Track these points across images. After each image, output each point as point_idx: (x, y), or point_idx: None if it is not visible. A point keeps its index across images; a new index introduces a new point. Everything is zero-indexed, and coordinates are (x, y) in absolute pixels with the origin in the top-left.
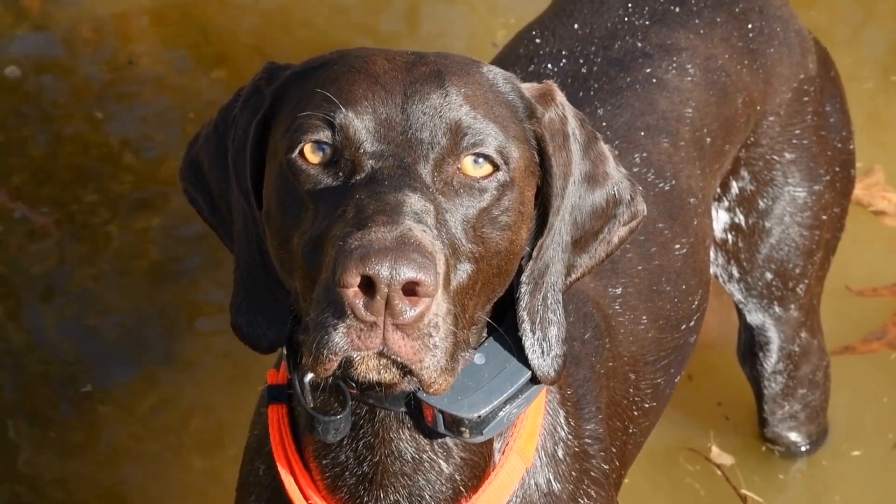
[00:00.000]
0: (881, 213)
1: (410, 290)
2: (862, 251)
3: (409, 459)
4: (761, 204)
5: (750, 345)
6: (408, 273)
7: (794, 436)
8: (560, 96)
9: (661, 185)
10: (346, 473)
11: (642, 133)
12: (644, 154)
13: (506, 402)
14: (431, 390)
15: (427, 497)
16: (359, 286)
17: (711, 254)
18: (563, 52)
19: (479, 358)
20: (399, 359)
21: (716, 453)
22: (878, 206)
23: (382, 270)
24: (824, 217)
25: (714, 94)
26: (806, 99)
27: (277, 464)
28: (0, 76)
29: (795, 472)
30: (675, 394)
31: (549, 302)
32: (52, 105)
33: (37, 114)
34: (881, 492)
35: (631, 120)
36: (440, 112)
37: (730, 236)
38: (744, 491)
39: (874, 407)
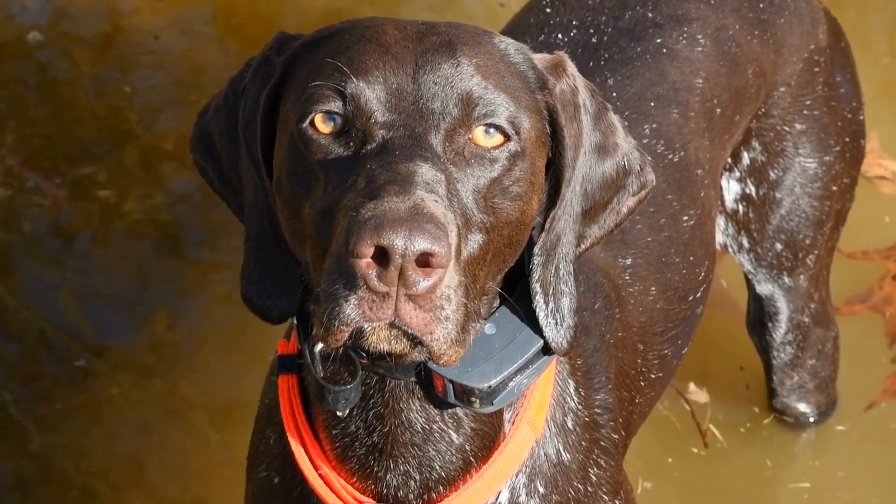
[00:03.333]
0: (878, 179)
1: (424, 261)
2: (856, 215)
3: (420, 430)
4: (772, 174)
5: (759, 315)
6: (423, 244)
7: (802, 406)
8: (571, 67)
9: (670, 156)
10: (356, 443)
11: (652, 103)
12: (654, 125)
13: (516, 373)
14: (442, 361)
15: (437, 467)
16: (372, 257)
17: (722, 223)
18: (574, 22)
19: (489, 328)
20: (410, 330)
21: (693, 390)
22: (874, 172)
23: (397, 241)
24: (834, 188)
25: (724, 64)
26: (816, 69)
27: (287, 433)
28: (22, 41)
29: (766, 427)
30: None
31: (561, 273)
32: (69, 75)
33: (52, 83)
34: (857, 450)
35: (641, 90)
36: (451, 82)
37: (740, 206)
38: (706, 426)
39: (857, 368)
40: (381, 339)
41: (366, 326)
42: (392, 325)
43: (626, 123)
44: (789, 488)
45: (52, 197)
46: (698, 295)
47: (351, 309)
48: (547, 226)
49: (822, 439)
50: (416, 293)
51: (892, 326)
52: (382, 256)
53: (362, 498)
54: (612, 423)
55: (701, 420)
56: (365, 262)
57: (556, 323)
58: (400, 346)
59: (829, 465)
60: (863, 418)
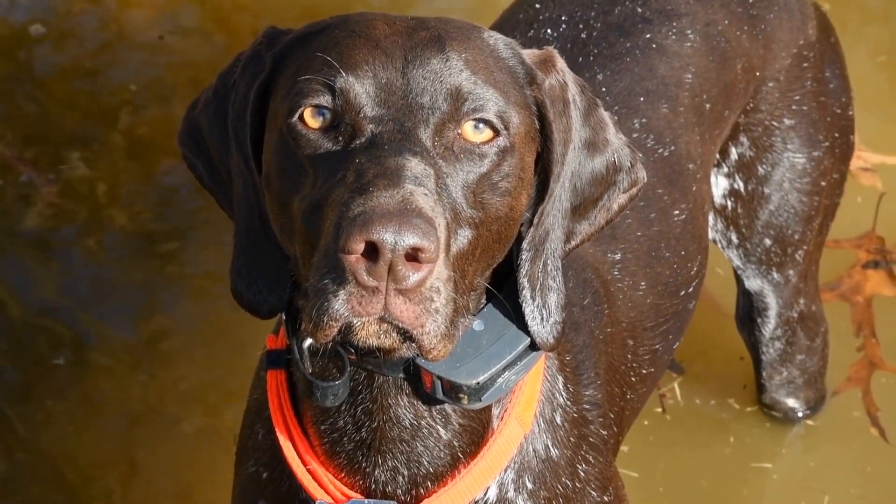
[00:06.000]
0: (858, 171)
1: (413, 255)
2: None
3: (408, 426)
4: (760, 170)
5: (748, 311)
6: (412, 239)
7: (791, 401)
8: (560, 62)
9: (660, 150)
10: (345, 439)
11: (642, 98)
12: (643, 120)
13: (504, 369)
14: (431, 356)
15: (425, 463)
16: (361, 252)
17: (711, 219)
18: (563, 18)
19: (477, 324)
20: (400, 324)
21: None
22: (854, 165)
23: (387, 236)
24: (823, 183)
25: (714, 59)
26: (805, 65)
27: (276, 429)
28: (24, 33)
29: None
30: None
31: (548, 269)
32: (67, 69)
33: (50, 77)
34: (821, 437)
35: (630, 85)
36: (441, 77)
37: (729, 202)
38: (669, 387)
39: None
40: (370, 334)
41: (355, 321)
42: (382, 320)
43: (616, 119)
44: (751, 467)
45: (43, 192)
46: (690, 290)
47: (340, 304)
48: (535, 221)
49: (789, 427)
50: (406, 287)
51: (859, 315)
52: (372, 252)
53: (350, 493)
54: (601, 420)
55: (662, 384)
56: (354, 258)
57: (543, 318)
58: (389, 340)
59: (794, 453)
60: (827, 406)
